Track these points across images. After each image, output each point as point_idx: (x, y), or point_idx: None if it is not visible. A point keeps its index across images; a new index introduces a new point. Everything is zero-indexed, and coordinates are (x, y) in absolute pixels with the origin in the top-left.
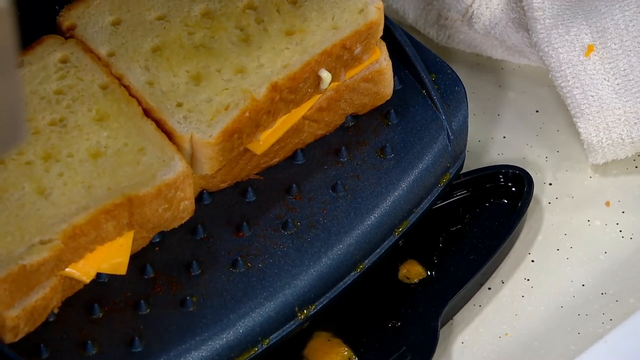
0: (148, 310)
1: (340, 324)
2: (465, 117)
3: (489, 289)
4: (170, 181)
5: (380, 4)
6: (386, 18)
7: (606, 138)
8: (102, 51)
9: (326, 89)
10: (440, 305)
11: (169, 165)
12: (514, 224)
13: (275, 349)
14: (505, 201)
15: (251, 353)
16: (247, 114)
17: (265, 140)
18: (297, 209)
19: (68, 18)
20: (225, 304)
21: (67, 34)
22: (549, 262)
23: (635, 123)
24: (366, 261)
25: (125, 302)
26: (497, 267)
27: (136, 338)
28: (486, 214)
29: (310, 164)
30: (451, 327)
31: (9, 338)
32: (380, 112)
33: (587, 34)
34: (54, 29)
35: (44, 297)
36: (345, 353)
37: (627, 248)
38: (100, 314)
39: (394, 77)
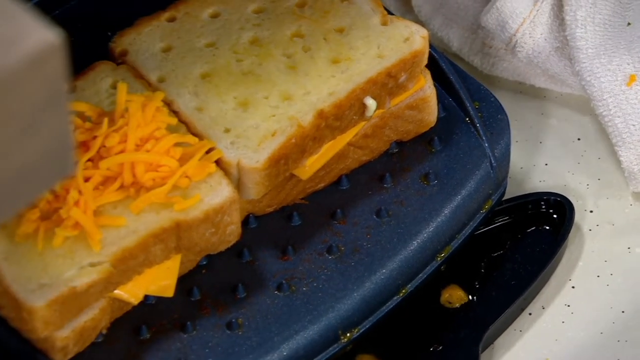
0: (194, 331)
1: (383, 347)
2: (508, 145)
3: (530, 314)
4: (217, 206)
5: (425, 33)
6: (431, 46)
7: None
8: (153, 77)
9: (371, 116)
10: (482, 329)
11: (216, 190)
12: (555, 250)
13: None
14: (547, 228)
15: None
16: (293, 140)
17: (310, 166)
18: (342, 234)
19: (120, 44)
20: (269, 327)
21: (119, 60)
22: (590, 288)
23: None
24: (409, 285)
25: (172, 323)
26: (538, 292)
27: (182, 359)
28: (528, 240)
29: (355, 189)
30: (492, 351)
31: (59, 358)
32: (424, 139)
33: (629, 64)
34: (107, 55)
35: (93, 318)
36: None
37: None
38: (148, 335)
39: (438, 104)
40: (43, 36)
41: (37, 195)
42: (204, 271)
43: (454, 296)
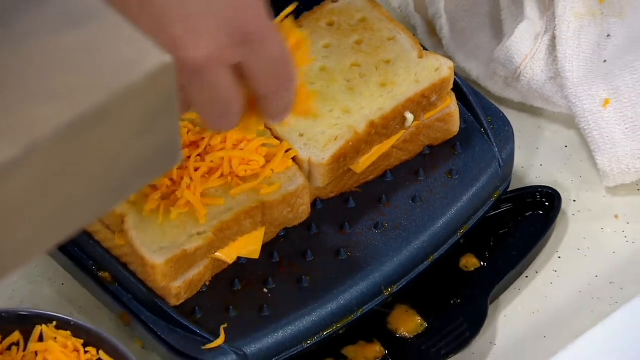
0: (274, 285)
1: (415, 299)
2: (512, 150)
3: (527, 277)
4: (293, 191)
5: (451, 64)
6: (456, 75)
7: (616, 168)
8: None
9: (410, 127)
10: (490, 288)
11: (292, 179)
12: (546, 229)
13: (366, 317)
14: (540, 212)
15: (348, 319)
16: (350, 143)
17: (363, 162)
18: (386, 214)
19: None
20: (330, 283)
21: None
22: (572, 258)
23: (639, 157)
24: (435, 254)
25: (258, 279)
26: (533, 261)
27: (265, 305)
28: (526, 222)
29: (396, 181)
30: (497, 304)
31: (173, 302)
32: (449, 144)
33: (604, 91)
34: None
35: (199, 273)
36: (418, 321)
37: (630, 249)
38: (239, 287)
39: (460, 118)
40: (159, 58)
41: (153, 178)
42: (282, 240)
43: (470, 262)
